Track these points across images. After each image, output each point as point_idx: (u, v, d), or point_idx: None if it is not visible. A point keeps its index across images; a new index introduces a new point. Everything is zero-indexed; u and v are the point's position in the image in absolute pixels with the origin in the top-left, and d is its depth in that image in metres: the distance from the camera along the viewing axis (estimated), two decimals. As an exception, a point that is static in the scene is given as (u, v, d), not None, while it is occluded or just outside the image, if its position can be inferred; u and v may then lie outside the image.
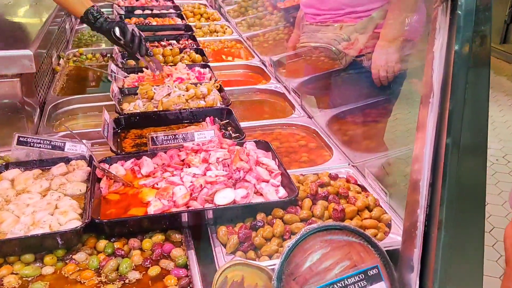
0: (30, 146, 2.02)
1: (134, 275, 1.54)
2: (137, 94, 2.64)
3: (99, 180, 1.89)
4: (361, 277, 1.43)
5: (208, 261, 1.61)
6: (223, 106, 2.50)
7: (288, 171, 1.99)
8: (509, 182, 4.66)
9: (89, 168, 1.96)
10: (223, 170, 1.89)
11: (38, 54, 2.45)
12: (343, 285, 1.40)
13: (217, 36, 4.08)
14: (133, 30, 2.67)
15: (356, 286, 1.40)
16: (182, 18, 4.29)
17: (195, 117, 2.43)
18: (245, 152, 1.92)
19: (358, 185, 1.97)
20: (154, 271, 1.55)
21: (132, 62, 3.15)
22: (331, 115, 2.61)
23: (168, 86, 2.57)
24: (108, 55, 3.53)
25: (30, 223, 1.65)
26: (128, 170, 1.97)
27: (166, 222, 1.70)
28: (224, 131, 2.28)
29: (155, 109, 2.48)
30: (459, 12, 1.16)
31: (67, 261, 1.60)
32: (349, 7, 3.03)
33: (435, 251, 1.34)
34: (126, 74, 2.94)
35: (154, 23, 4.11)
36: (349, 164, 2.14)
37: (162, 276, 1.54)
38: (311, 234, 1.51)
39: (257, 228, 1.68)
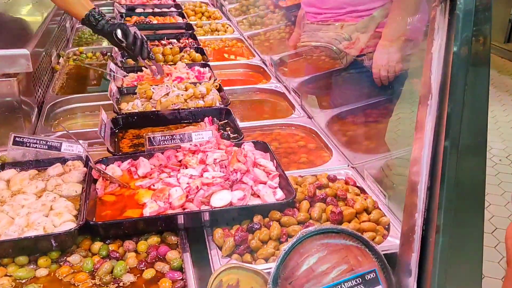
0: (26, 146, 2.01)
1: (129, 278, 1.52)
2: (136, 93, 2.62)
3: (95, 181, 1.88)
4: (358, 281, 1.41)
5: (204, 263, 1.59)
6: (222, 106, 2.47)
7: (286, 172, 1.97)
8: (512, 182, 4.64)
9: (85, 169, 1.95)
10: (220, 171, 1.87)
11: (36, 53, 2.44)
12: (340, 289, 1.38)
13: (218, 35, 4.06)
14: (135, 32, 2.65)
15: (353, 290, 1.38)
16: (183, 17, 4.27)
17: (193, 117, 2.41)
18: (243, 153, 1.90)
19: (357, 187, 1.94)
20: (149, 274, 1.54)
21: (131, 61, 3.13)
22: (331, 115, 2.58)
23: (167, 86, 2.55)
24: (108, 54, 3.51)
25: (25, 224, 1.63)
26: (125, 170, 1.95)
27: (161, 224, 1.68)
28: (222, 131, 2.26)
29: (154, 109, 2.46)
30: (458, 12, 1.13)
31: (61, 263, 1.58)
32: (350, 6, 3.01)
33: (433, 255, 1.32)
34: (125, 73, 2.92)
35: (155, 22, 4.09)
36: (348, 166, 2.11)
37: (157, 279, 1.52)
38: (308, 238, 1.48)
39: (253, 230, 1.66)
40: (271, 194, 1.78)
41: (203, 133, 2.07)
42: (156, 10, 4.48)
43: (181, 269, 1.55)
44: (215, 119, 2.37)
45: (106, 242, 1.65)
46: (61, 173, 1.95)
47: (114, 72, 2.79)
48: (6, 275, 1.53)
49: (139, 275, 1.54)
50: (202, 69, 2.97)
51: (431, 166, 1.26)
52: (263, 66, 3.30)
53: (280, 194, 1.80)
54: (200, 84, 2.65)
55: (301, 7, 3.31)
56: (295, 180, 1.93)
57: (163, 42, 3.55)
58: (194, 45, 3.46)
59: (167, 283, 1.50)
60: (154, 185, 1.85)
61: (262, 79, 3.20)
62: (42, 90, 2.81)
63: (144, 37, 2.72)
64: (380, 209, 1.79)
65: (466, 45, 1.16)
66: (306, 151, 2.29)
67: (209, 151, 1.96)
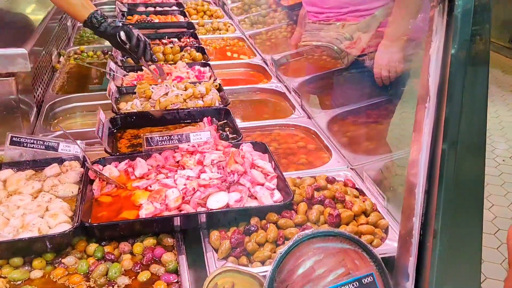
0: (24, 146, 1.99)
1: (123, 281, 1.51)
2: (135, 93, 2.60)
3: (92, 181, 1.86)
4: (355, 285, 1.39)
5: (200, 266, 1.58)
6: (221, 106, 2.46)
7: (285, 173, 1.95)
8: (516, 183, 4.60)
9: (82, 169, 1.94)
10: (218, 173, 1.85)
11: (34, 52, 2.43)
12: (337, 293, 1.36)
13: (220, 34, 4.04)
14: (138, 35, 2.63)
15: (350, 294, 1.36)
16: (184, 16, 4.26)
17: (192, 117, 2.39)
18: (240, 155, 1.88)
19: (356, 189, 1.93)
20: (144, 276, 1.52)
21: (131, 60, 3.11)
22: (331, 115, 2.56)
23: (166, 86, 2.53)
24: (110, 52, 3.49)
25: (20, 225, 1.62)
26: (122, 171, 1.94)
27: (157, 226, 1.66)
28: (221, 131, 2.25)
29: (153, 109, 2.44)
30: (457, 13, 1.11)
31: (56, 265, 1.57)
32: (352, 6, 2.99)
33: (431, 260, 1.30)
34: (125, 72, 2.91)
35: (156, 21, 4.07)
36: (347, 167, 2.09)
37: (152, 282, 1.51)
38: (304, 241, 1.47)
39: (250, 232, 1.64)
40: (269, 196, 1.76)
41: (201, 134, 2.06)
42: (158, 8, 4.47)
43: (176, 272, 1.53)
44: (214, 119, 2.35)
45: (102, 243, 1.64)
46: (58, 174, 1.93)
47: (114, 72, 2.78)
48: (0, 277, 1.52)
49: (134, 277, 1.52)
50: (202, 69, 2.95)
51: (429, 169, 1.24)
52: (264, 65, 3.28)
53: (277, 196, 1.78)
54: (200, 83, 2.64)
55: (303, 6, 3.28)
56: (293, 181, 1.91)
57: (164, 41, 3.53)
58: (195, 44, 3.45)
59: (162, 286, 1.48)
60: (151, 186, 1.83)
61: (263, 78, 3.18)
62: (42, 89, 2.80)
63: (147, 39, 2.70)
64: (379, 212, 1.78)
65: (464, 47, 1.13)
66: (305, 152, 2.28)
67: (207, 152, 1.94)
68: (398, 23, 2.64)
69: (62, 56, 3.40)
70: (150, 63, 2.71)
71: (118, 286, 1.49)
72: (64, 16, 3.63)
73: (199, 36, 3.76)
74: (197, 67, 2.97)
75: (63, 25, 3.68)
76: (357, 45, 2.92)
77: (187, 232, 1.69)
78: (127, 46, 2.60)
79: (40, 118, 2.52)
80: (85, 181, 1.84)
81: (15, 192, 1.82)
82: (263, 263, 1.56)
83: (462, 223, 1.28)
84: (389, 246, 1.63)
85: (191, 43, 3.48)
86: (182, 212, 1.69)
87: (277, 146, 2.32)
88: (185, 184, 1.78)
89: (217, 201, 1.70)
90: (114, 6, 4.43)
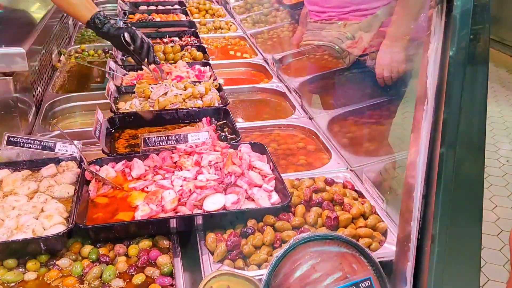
0: (20, 146, 1.98)
1: (118, 283, 1.49)
2: (134, 92, 2.58)
3: (88, 182, 1.85)
4: (352, 290, 1.37)
5: (195, 269, 1.56)
6: (220, 106, 2.44)
7: (284, 175, 1.94)
8: (520, 184, 4.56)
9: (79, 170, 1.92)
10: (215, 174, 1.83)
11: (33, 51, 2.42)
12: (333, 298, 1.34)
13: (221, 33, 4.02)
14: (142, 36, 2.61)
15: (347, 299, 1.34)
16: (186, 14, 4.24)
17: (191, 117, 2.37)
18: (238, 156, 1.86)
19: (355, 190, 1.90)
20: (138, 279, 1.50)
21: (132, 59, 3.10)
22: (332, 116, 2.54)
23: (165, 85, 2.51)
24: (110, 51, 3.48)
25: (14, 227, 1.61)
26: (119, 172, 1.92)
27: (153, 228, 1.65)
28: (220, 132, 2.23)
29: (151, 109, 2.43)
30: (455, 14, 1.09)
31: (50, 267, 1.55)
32: (354, 5, 2.96)
33: (428, 265, 1.28)
34: (125, 71, 2.89)
35: (158, 19, 4.06)
36: (347, 168, 2.07)
37: (147, 285, 1.49)
38: (301, 244, 1.45)
39: (247, 235, 1.62)
40: (266, 198, 1.74)
41: (200, 134, 2.03)
42: (160, 7, 4.46)
43: (171, 275, 1.52)
44: (213, 120, 2.33)
45: (97, 245, 1.62)
46: (55, 174, 1.92)
47: (113, 71, 2.76)
48: (-6, 278, 1.51)
49: (128, 280, 1.51)
50: (202, 68, 2.94)
51: (427, 172, 1.22)
52: (265, 65, 3.26)
53: (275, 197, 1.76)
54: (200, 83, 2.62)
55: (304, 5, 3.26)
56: (292, 183, 1.89)
57: (165, 40, 3.51)
58: (196, 43, 3.43)
59: (156, 289, 1.47)
60: (147, 187, 1.81)
61: (264, 78, 3.15)
62: (41, 88, 2.79)
63: (150, 41, 2.68)
64: (377, 214, 1.75)
65: (463, 48, 1.11)
66: (305, 152, 2.25)
67: (205, 152, 1.92)
68: (400, 23, 2.61)
69: (62, 55, 3.39)
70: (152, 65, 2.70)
71: (112, 288, 1.47)
72: (65, 15, 3.62)
73: (201, 35, 3.75)
74: (197, 66, 2.95)
75: (64, 24, 3.67)
76: (358, 45, 2.89)
77: (183, 234, 1.68)
78: (131, 48, 2.57)
79: (39, 118, 2.51)
80: (81, 182, 1.82)
81: (11, 192, 1.81)
82: (259, 266, 1.54)
83: (461, 227, 1.26)
84: (388, 250, 1.60)
85: (192, 42, 3.46)
86: (178, 214, 1.67)
87: (276, 146, 2.30)
88: (181, 186, 1.76)
89: (214, 203, 1.68)
90: (116, 5, 4.42)
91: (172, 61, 3.11)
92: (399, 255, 1.39)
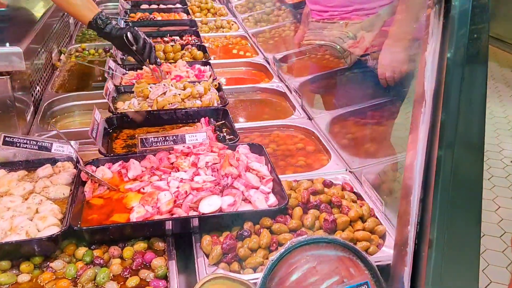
0: (17, 146, 1.96)
1: (112, 286, 1.47)
2: (133, 92, 2.57)
3: (84, 183, 1.83)
4: (349, 294, 1.35)
5: (190, 272, 1.54)
6: (219, 106, 2.41)
7: (282, 176, 1.92)
8: (523, 184, 4.52)
9: (75, 171, 1.90)
10: (212, 176, 1.81)
11: (31, 50, 2.41)
12: (329, 302, 1.32)
13: (223, 32, 4.00)
14: (144, 37, 2.60)
15: (343, 303, 1.32)
16: (188, 14, 4.22)
17: (190, 117, 2.35)
18: (235, 157, 1.84)
19: (354, 192, 1.88)
20: (132, 282, 1.49)
21: (132, 59, 3.08)
22: (332, 116, 2.51)
23: (164, 85, 2.49)
24: (111, 51, 3.46)
25: (8, 228, 1.59)
26: (115, 173, 1.90)
27: (148, 230, 1.63)
28: (218, 132, 2.20)
29: (150, 109, 2.41)
30: (453, 15, 1.06)
31: (44, 269, 1.54)
32: (356, 4, 2.94)
33: (426, 270, 1.25)
34: (124, 71, 2.88)
35: (159, 18, 4.04)
36: (346, 170, 2.04)
37: (141, 288, 1.48)
38: (297, 247, 1.43)
39: (243, 237, 1.60)
40: (263, 200, 1.72)
41: (197, 135, 2.01)
42: (162, 6, 4.44)
43: (166, 278, 1.50)
44: (212, 120, 2.31)
45: (91, 247, 1.61)
46: (51, 174, 1.90)
47: (113, 70, 2.74)
48: (-13, 280, 1.49)
49: (122, 282, 1.49)
50: (202, 68, 2.91)
51: (424, 176, 1.20)
52: (266, 64, 3.24)
53: (272, 199, 1.74)
54: (199, 83, 2.59)
55: (306, 4, 3.24)
56: (290, 185, 1.87)
57: (166, 39, 3.49)
58: (196, 42, 3.41)
59: (150, 292, 1.45)
60: (143, 189, 1.79)
61: (265, 78, 3.13)
62: (40, 87, 2.77)
63: (152, 42, 2.67)
64: (376, 217, 1.73)
65: (461, 49, 1.09)
66: (304, 154, 2.23)
67: (202, 153, 1.90)
68: (403, 22, 2.58)
69: (63, 54, 3.37)
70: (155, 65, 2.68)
71: (105, 291, 1.46)
72: (65, 13, 3.60)
73: (202, 34, 3.73)
74: (197, 66, 2.93)
75: (65, 23, 3.65)
76: (360, 44, 2.87)
77: (179, 236, 1.65)
78: (134, 48, 2.56)
79: (37, 117, 2.49)
80: (77, 183, 1.80)
81: (6, 193, 1.79)
82: (255, 269, 1.52)
83: (459, 232, 1.24)
84: (386, 253, 1.58)
85: (193, 41, 3.44)
86: (174, 216, 1.65)
87: (275, 147, 2.27)
88: (177, 187, 1.74)
89: (210, 204, 1.65)
90: (117, 4, 4.40)
91: (172, 61, 3.09)
92: (397, 259, 1.36)
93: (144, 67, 2.85)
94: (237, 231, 1.63)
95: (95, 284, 1.48)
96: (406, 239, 1.28)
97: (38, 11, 2.94)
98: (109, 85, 2.49)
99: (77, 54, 3.47)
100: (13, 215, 1.65)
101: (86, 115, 2.73)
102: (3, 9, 2.96)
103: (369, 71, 2.72)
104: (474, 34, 1.08)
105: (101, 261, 1.55)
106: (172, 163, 1.92)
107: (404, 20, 2.56)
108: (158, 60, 2.65)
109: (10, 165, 1.95)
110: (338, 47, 2.96)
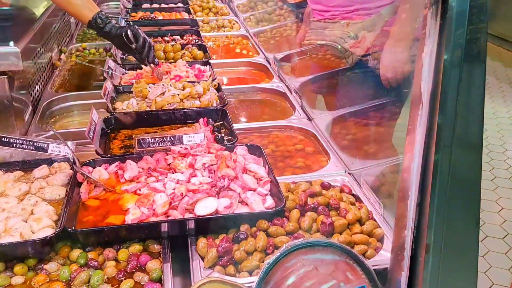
0: (13, 146, 1.94)
1: (105, 289, 1.46)
2: (132, 92, 2.55)
3: (80, 184, 1.82)
4: (345, 299, 1.33)
5: (185, 275, 1.52)
6: (218, 106, 2.39)
7: (280, 177, 1.90)
8: (527, 186, 4.47)
9: (71, 171, 1.89)
10: (209, 177, 1.79)
11: (29, 50, 2.39)
12: (325, 307, 1.30)
13: (224, 31, 3.98)
14: (144, 36, 2.58)
15: (338, 309, 1.30)
16: (189, 13, 4.20)
17: (188, 117, 2.33)
18: (232, 158, 1.82)
19: (353, 195, 1.85)
20: (126, 285, 1.47)
21: (132, 58, 3.06)
22: (332, 117, 2.49)
23: (163, 85, 2.48)
24: (111, 50, 3.45)
25: (2, 229, 1.58)
26: (112, 174, 1.89)
27: (143, 232, 1.61)
28: (217, 133, 2.18)
29: (148, 109, 2.39)
30: (450, 16, 1.04)
31: (38, 271, 1.53)
32: (358, 4, 2.92)
33: (423, 275, 1.23)
34: (124, 70, 2.86)
35: (160, 18, 4.02)
36: (345, 172, 2.02)
37: (135, 291, 1.46)
38: (293, 251, 1.41)
39: (239, 240, 1.58)
40: (260, 202, 1.70)
41: (195, 136, 2.00)
42: (163, 5, 4.42)
43: (160, 281, 1.48)
44: (211, 120, 2.29)
45: (86, 249, 1.59)
46: (47, 175, 1.89)
47: (112, 70, 2.73)
48: (-20, 283, 1.48)
49: (116, 285, 1.47)
50: (202, 67, 2.89)
51: (421, 180, 1.17)
52: (267, 64, 3.21)
53: (270, 202, 1.72)
54: (198, 83, 2.58)
55: (308, 4, 3.22)
56: (288, 187, 1.84)
57: (166, 38, 3.48)
58: (197, 42, 3.39)
59: (144, 295, 1.43)
60: (140, 190, 1.78)
61: (265, 78, 3.11)
62: (39, 87, 2.76)
63: (151, 41, 2.65)
64: (374, 220, 1.70)
65: (459, 51, 1.06)
66: (303, 155, 2.21)
67: (199, 154, 1.88)
68: (405, 22, 2.55)
69: (63, 54, 3.36)
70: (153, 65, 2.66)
71: (99, 294, 1.44)
72: (66, 13, 3.59)
73: (203, 34, 3.71)
74: (197, 65, 2.91)
75: (66, 22, 3.64)
76: (361, 44, 2.85)
77: (174, 239, 1.64)
78: (134, 46, 2.54)
79: (35, 117, 2.48)
80: (73, 184, 1.79)
81: (2, 194, 1.78)
82: (250, 273, 1.50)
83: (457, 236, 1.22)
84: (384, 257, 1.56)
85: (194, 41, 3.42)
86: (169, 218, 1.63)
87: (274, 148, 2.25)
88: (174, 189, 1.72)
89: (206, 207, 1.64)
90: (119, 3, 4.39)
91: (172, 60, 3.07)
92: (394, 263, 1.34)
93: (144, 66, 2.83)
94: (234, 233, 1.61)
95: (89, 286, 1.46)
96: (403, 243, 1.26)
97: (38, 10, 2.92)
98: (108, 85, 2.47)
99: (77, 53, 3.45)
100: (8, 217, 1.63)
101: (85, 115, 2.71)
102: (2, 8, 2.94)
103: (370, 72, 2.70)
104: (472, 34, 1.06)
105: (96, 263, 1.53)
106: (169, 164, 1.91)
107: (405, 20, 2.53)
108: (156, 60, 2.63)
109: (7, 166, 1.94)
110: (340, 47, 2.94)
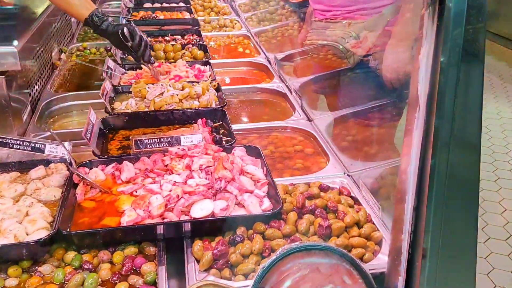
0: (10, 147, 1.93)
1: (99, 292, 1.44)
2: (131, 92, 2.53)
3: (76, 185, 1.80)
4: (341, 303, 1.31)
5: (180, 278, 1.50)
6: (216, 107, 2.38)
7: (278, 179, 1.89)
8: (530, 188, 4.43)
9: (68, 172, 1.87)
10: (206, 179, 1.77)
11: (27, 49, 2.38)
12: (321, 313, 1.28)
13: (225, 31, 3.96)
14: (140, 34, 2.57)
15: (335, 314, 1.28)
16: (191, 12, 4.18)
17: (187, 118, 2.31)
18: (230, 160, 1.80)
19: (351, 197, 1.83)
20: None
21: (132, 58, 3.04)
22: (332, 118, 2.47)
23: (162, 85, 2.46)
24: (112, 50, 3.43)
25: (-3, 231, 1.57)
26: (109, 175, 1.87)
27: (139, 234, 1.59)
28: (215, 134, 2.17)
29: (147, 109, 2.38)
30: (447, 16, 1.02)
31: (32, 273, 1.51)
32: (359, 3, 2.89)
33: (420, 280, 1.21)
34: (124, 70, 2.85)
35: (162, 17, 4.01)
36: (344, 173, 2.00)
37: (129, 294, 1.44)
38: (289, 254, 1.39)
39: (236, 243, 1.57)
40: (257, 204, 1.68)
41: (193, 137, 1.98)
42: (165, 5, 4.41)
43: (154, 284, 1.46)
44: (209, 121, 2.27)
45: (81, 251, 1.58)
46: (43, 176, 1.87)
47: (111, 70, 2.72)
48: (-26, 285, 1.47)
49: (111, 288, 1.46)
50: (203, 67, 2.88)
51: (418, 184, 1.15)
52: (267, 64, 3.19)
53: (267, 204, 1.70)
54: (198, 83, 2.56)
55: (310, 4, 3.20)
56: (286, 188, 1.83)
57: (167, 38, 3.46)
58: (198, 42, 3.37)
59: (139, 299, 1.42)
60: (136, 191, 1.76)
61: (266, 78, 3.09)
62: (39, 87, 2.75)
63: (148, 40, 2.64)
64: (373, 223, 1.68)
65: (456, 52, 1.04)
66: (302, 156, 2.19)
67: (196, 156, 1.87)
68: (407, 22, 2.53)
69: (63, 53, 3.35)
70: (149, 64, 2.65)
71: (93, 297, 1.43)
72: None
73: (204, 34, 3.69)
74: (197, 65, 2.89)
75: (66, 21, 3.63)
76: (363, 45, 2.82)
77: (170, 241, 1.62)
78: (130, 44, 2.53)
79: (34, 117, 2.47)
80: (69, 185, 1.77)
81: (-3, 195, 1.77)
82: (246, 276, 1.48)
83: (455, 241, 1.19)
84: (382, 261, 1.54)
85: (194, 40, 3.41)
86: (165, 220, 1.61)
87: (273, 149, 2.23)
88: (170, 191, 1.70)
89: (202, 209, 1.62)
90: (120, 2, 4.38)
91: (172, 60, 3.06)
92: (391, 268, 1.32)
93: (144, 66, 2.82)
94: (230, 236, 1.60)
95: (83, 289, 1.45)
96: (400, 247, 1.24)
97: (39, 9, 2.91)
98: (107, 85, 2.46)
99: (78, 53, 3.44)
100: (2, 218, 1.62)
101: (84, 115, 2.67)
102: (12, 7, 2.94)
103: (371, 72, 2.67)
104: (470, 35, 1.04)
105: (90, 266, 1.52)
106: (166, 165, 1.89)
107: (408, 20, 2.51)
108: (152, 59, 2.62)
109: (3, 166, 1.93)
110: (341, 47, 2.92)
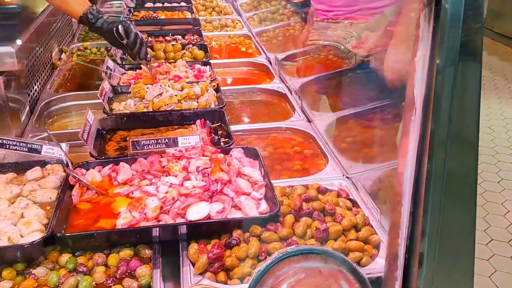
0: (6, 148, 1.92)
1: (93, 295, 1.43)
2: (130, 92, 2.52)
3: (73, 186, 1.79)
4: (338, 308, 1.30)
5: (175, 281, 1.49)
6: (215, 108, 2.36)
7: (277, 181, 1.87)
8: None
9: (64, 174, 1.86)
10: (203, 180, 1.76)
11: (25, 49, 2.37)
12: (316, 318, 1.26)
13: (227, 31, 3.95)
14: (136, 32, 2.56)
15: (330, 320, 1.27)
16: (192, 12, 4.17)
17: (185, 119, 2.29)
18: (227, 162, 1.79)
19: (350, 199, 1.81)
20: (115, 291, 1.44)
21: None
22: (332, 119, 2.45)
23: (161, 86, 2.45)
24: (112, 50, 3.42)
25: (-9, 233, 1.56)
26: (105, 176, 1.86)
27: (134, 236, 1.58)
28: (214, 135, 2.15)
29: (145, 110, 2.36)
30: (444, 18, 1.00)
31: (26, 275, 1.50)
32: (361, 4, 2.87)
33: (416, 285, 1.19)
34: (123, 70, 2.84)
35: (163, 17, 4.00)
36: (343, 175, 1.98)
37: (123, 297, 1.43)
38: (285, 258, 1.37)
39: (231, 246, 1.55)
40: (254, 207, 1.66)
41: (190, 138, 1.96)
42: (166, 4, 4.40)
43: (149, 287, 1.45)
44: (208, 122, 2.25)
45: (76, 254, 1.56)
46: (40, 177, 1.86)
47: (111, 70, 2.70)
48: (-32, 287, 1.46)
49: (105, 291, 1.45)
50: (202, 68, 2.86)
51: (414, 189, 1.13)
52: (268, 64, 3.17)
53: (264, 206, 1.68)
54: (197, 83, 2.54)
55: (311, 4, 3.18)
56: (283, 191, 1.81)
57: (168, 38, 3.45)
58: (198, 41, 3.35)
59: (133, 302, 1.40)
60: (132, 193, 1.75)
61: (266, 78, 3.07)
62: (38, 87, 2.74)
63: (144, 38, 2.63)
64: (371, 226, 1.66)
65: (453, 54, 1.02)
66: (301, 157, 2.17)
67: (193, 157, 1.85)
68: (408, 22, 2.50)
69: (64, 53, 3.34)
70: (145, 61, 2.64)
71: (87, 301, 1.41)
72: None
73: (205, 33, 3.68)
74: (197, 66, 2.87)
75: (67, 21, 3.62)
76: (364, 45, 2.80)
77: (166, 244, 1.60)
78: (125, 42, 2.52)
79: (32, 117, 2.46)
80: (65, 187, 1.76)
81: (-7, 196, 1.76)
82: (242, 280, 1.47)
83: (452, 246, 1.17)
84: (380, 265, 1.51)
85: (195, 40, 3.39)
86: (160, 223, 1.60)
87: (272, 151, 2.22)
88: (166, 193, 1.69)
89: (198, 211, 1.60)
90: (122, 2, 4.37)
91: (172, 60, 3.04)
92: (387, 273, 1.30)
93: (143, 67, 2.80)
94: (226, 239, 1.58)
95: (77, 292, 1.44)
96: (396, 253, 1.22)
97: (38, 9, 2.90)
98: (105, 85, 2.45)
99: (79, 53, 3.43)
100: (-3, 220, 1.61)
101: (83, 115, 2.68)
102: (15, 6, 2.93)
103: (372, 72, 2.65)
104: (466, 36, 1.02)
105: (84, 268, 1.50)
106: (163, 167, 1.87)
107: (409, 20, 2.48)
108: (148, 56, 2.61)
109: (0, 167, 1.92)
110: (342, 47, 2.90)
